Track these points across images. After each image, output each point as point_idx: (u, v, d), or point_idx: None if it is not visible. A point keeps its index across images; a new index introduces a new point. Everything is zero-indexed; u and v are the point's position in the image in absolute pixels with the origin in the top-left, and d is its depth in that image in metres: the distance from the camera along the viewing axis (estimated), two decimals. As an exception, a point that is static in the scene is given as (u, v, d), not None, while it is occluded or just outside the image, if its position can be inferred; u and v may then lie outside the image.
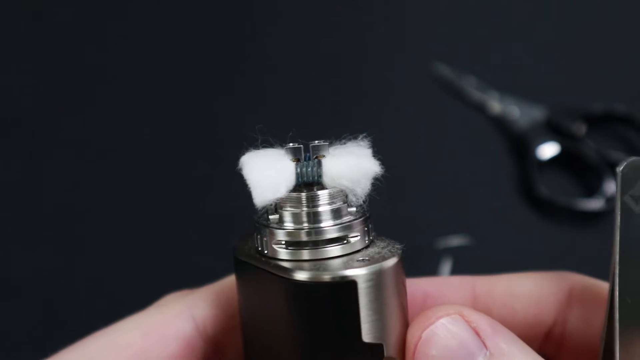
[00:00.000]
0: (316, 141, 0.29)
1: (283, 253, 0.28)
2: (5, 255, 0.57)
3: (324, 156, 0.28)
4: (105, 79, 0.65)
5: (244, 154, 0.29)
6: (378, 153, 0.29)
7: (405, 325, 0.28)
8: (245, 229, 0.31)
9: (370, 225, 0.29)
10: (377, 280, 0.27)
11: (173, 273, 0.56)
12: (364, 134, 0.29)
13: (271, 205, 0.28)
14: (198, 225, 0.59)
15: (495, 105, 0.64)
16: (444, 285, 0.34)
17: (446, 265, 0.56)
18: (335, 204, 0.28)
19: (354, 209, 0.29)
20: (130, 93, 0.64)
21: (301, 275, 0.27)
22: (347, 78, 0.66)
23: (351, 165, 0.28)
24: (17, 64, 0.66)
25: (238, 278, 0.30)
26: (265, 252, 0.28)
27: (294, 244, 0.28)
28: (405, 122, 0.64)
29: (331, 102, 0.65)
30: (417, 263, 0.57)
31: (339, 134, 0.61)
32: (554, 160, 0.61)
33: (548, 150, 0.61)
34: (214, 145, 0.62)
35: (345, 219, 0.28)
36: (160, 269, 0.57)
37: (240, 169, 0.28)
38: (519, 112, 0.63)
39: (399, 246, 0.28)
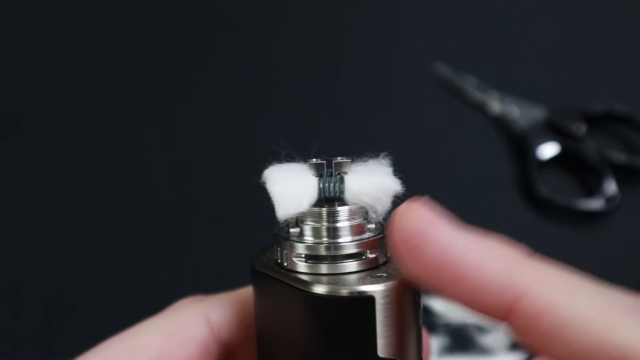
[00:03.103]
0: (339, 158, 0.29)
1: (302, 266, 0.28)
2: (6, 255, 0.57)
3: (346, 173, 0.29)
4: (106, 80, 0.65)
5: (267, 167, 0.29)
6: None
7: (420, 341, 0.29)
8: (264, 244, 0.31)
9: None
10: (394, 297, 0.27)
11: (174, 274, 0.56)
12: (386, 152, 0.29)
13: (292, 218, 0.29)
14: (200, 227, 0.59)
15: (495, 105, 0.64)
16: None
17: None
18: (355, 220, 0.29)
19: (373, 225, 0.29)
20: (131, 94, 0.64)
21: (319, 289, 0.27)
22: (347, 78, 0.66)
23: (373, 183, 0.29)
24: (17, 64, 0.66)
25: (255, 289, 0.31)
26: (285, 264, 0.29)
27: (313, 258, 0.28)
28: (405, 122, 0.64)
29: (331, 102, 0.65)
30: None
31: (338, 134, 0.61)
32: (554, 160, 0.61)
33: (548, 150, 0.61)
34: (216, 147, 0.62)
35: (365, 235, 0.29)
36: (161, 269, 0.57)
37: (264, 182, 0.29)
38: (519, 112, 0.63)
39: None
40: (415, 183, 0.60)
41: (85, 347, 0.31)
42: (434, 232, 0.26)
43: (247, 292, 0.32)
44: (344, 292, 0.27)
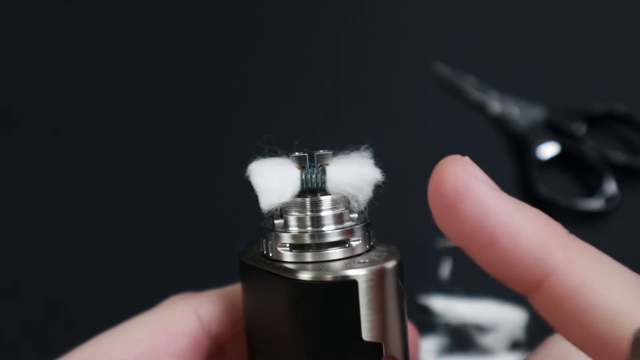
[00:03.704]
0: (321, 150, 0.30)
1: (287, 255, 0.29)
2: (6, 255, 0.57)
3: (327, 164, 0.30)
4: (106, 80, 0.65)
5: (252, 162, 0.30)
6: (377, 152, 0.30)
7: (404, 325, 0.29)
8: (251, 239, 0.32)
9: (371, 231, 0.30)
10: (377, 281, 0.28)
11: (174, 275, 0.56)
12: (367, 145, 0.30)
13: (276, 210, 0.30)
14: (200, 227, 0.59)
15: (495, 105, 0.64)
16: None
17: (446, 265, 0.56)
18: (337, 209, 0.29)
19: (355, 215, 0.30)
20: (131, 94, 0.64)
21: (304, 276, 0.28)
22: (347, 78, 0.66)
23: (353, 172, 0.29)
24: (17, 63, 0.66)
25: (243, 281, 0.31)
26: (270, 254, 0.30)
27: (297, 247, 0.29)
28: (405, 122, 0.64)
29: (330, 102, 0.65)
30: (418, 263, 0.57)
31: (338, 134, 0.61)
32: (554, 160, 0.61)
33: (548, 150, 0.61)
34: (216, 147, 0.62)
35: (347, 223, 0.30)
36: (161, 269, 0.57)
37: (248, 176, 0.30)
38: (519, 112, 0.63)
39: (398, 251, 0.30)
40: (415, 183, 0.61)
41: (85, 346, 0.31)
42: (476, 191, 0.24)
43: (236, 288, 0.33)
44: (328, 277, 0.28)
